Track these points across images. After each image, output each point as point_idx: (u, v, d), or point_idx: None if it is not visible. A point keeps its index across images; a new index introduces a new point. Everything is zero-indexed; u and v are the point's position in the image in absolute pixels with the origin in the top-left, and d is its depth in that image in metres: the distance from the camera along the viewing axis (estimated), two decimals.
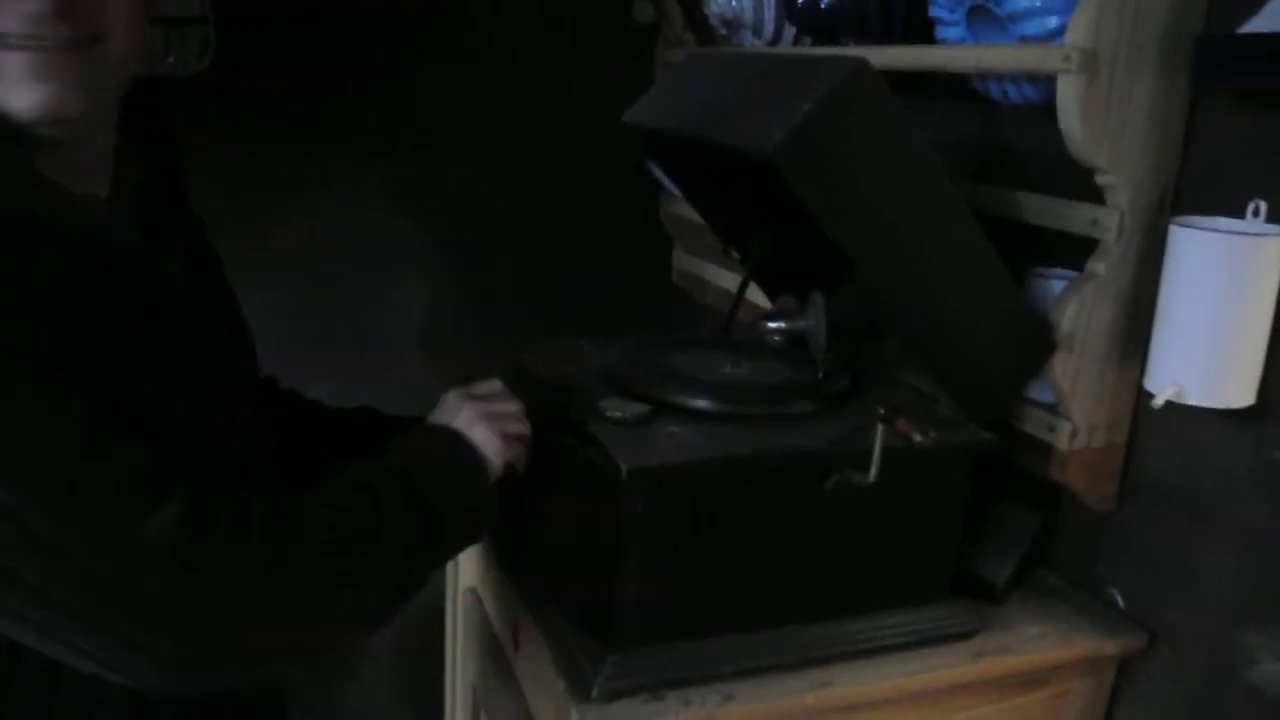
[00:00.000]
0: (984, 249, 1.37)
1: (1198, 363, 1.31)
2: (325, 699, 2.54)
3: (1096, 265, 1.43)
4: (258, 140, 2.21)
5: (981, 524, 1.57)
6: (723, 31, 1.96)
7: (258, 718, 1.32)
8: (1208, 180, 1.41)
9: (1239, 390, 1.32)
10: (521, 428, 1.36)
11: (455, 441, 1.29)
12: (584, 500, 1.40)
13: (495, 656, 1.69)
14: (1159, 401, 1.33)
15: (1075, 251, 1.49)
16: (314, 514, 1.12)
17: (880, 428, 1.28)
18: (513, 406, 1.37)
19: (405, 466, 1.22)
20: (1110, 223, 1.42)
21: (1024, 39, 1.43)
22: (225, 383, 1.26)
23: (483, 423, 1.32)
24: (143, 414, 1.07)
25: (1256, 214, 1.31)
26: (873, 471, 1.29)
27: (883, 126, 1.25)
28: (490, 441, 1.31)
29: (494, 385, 1.42)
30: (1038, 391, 1.51)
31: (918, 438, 1.31)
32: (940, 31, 1.56)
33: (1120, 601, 1.57)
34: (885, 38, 1.65)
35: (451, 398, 1.37)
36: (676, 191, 1.69)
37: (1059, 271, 1.54)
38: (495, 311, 2.50)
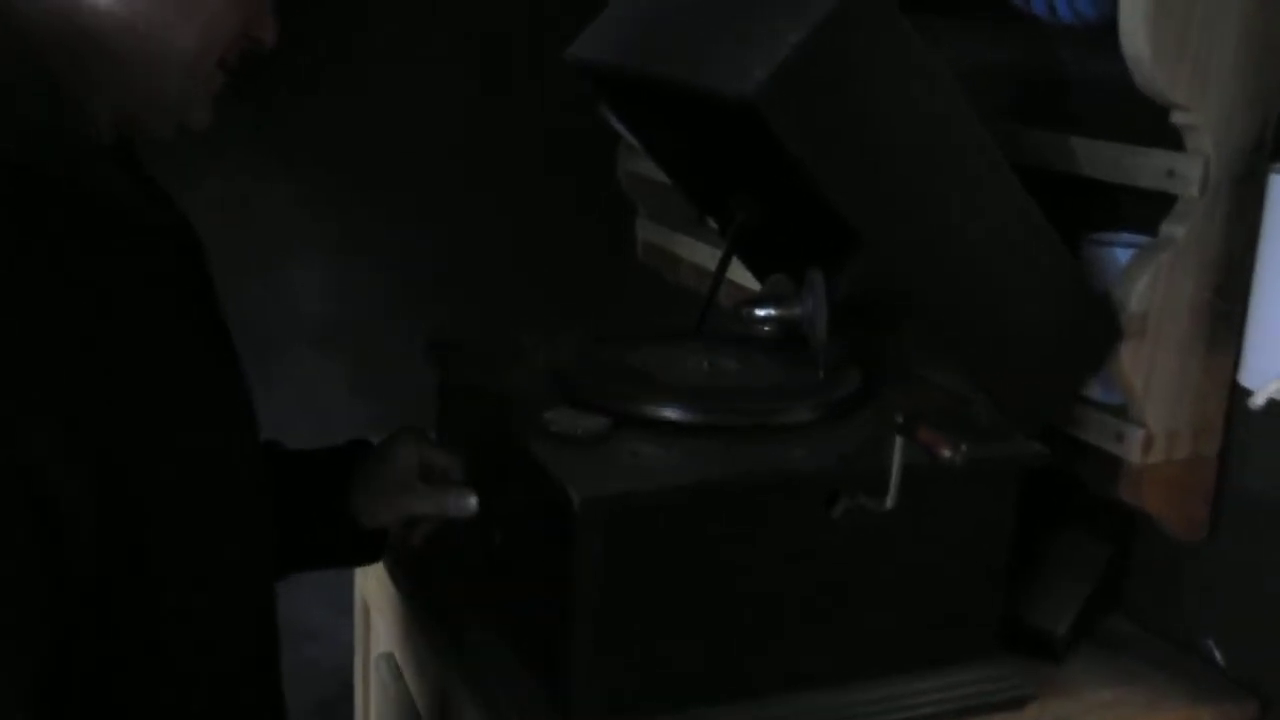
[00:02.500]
0: (1027, 210, 1.40)
1: None
2: None
3: (1174, 228, 1.45)
4: None
5: (1035, 560, 1.60)
6: None
7: None
8: None
9: None
10: None
11: None
12: (530, 539, 1.44)
13: None
14: (1259, 401, 1.35)
15: (1146, 211, 1.52)
16: None
17: (899, 440, 1.31)
18: None
19: None
20: (1191, 173, 1.44)
21: None
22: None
23: None
24: None
25: None
26: (891, 496, 1.32)
27: (893, 58, 1.28)
28: None
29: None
30: (1101, 390, 1.54)
31: (947, 452, 1.32)
32: None
33: (1218, 657, 1.59)
34: None
35: None
36: (638, 144, 1.71)
37: (1125, 237, 1.56)
38: (410, 298, 2.52)
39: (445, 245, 2.53)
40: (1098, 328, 1.47)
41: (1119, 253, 1.53)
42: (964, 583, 1.47)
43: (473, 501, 1.49)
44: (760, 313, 1.54)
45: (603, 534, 1.29)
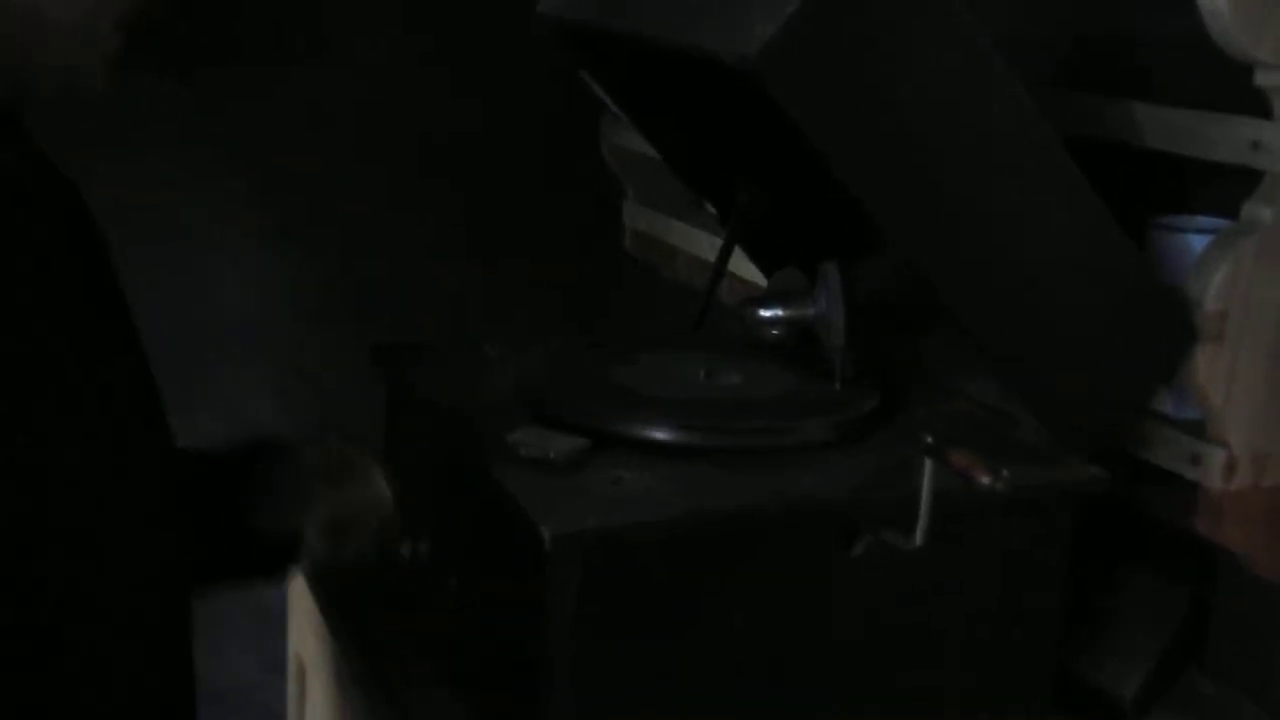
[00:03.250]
0: (1082, 191, 1.41)
1: None
2: None
3: (1259, 209, 1.46)
4: None
5: (1097, 608, 1.62)
6: None
7: None
8: None
9: None
10: None
11: None
12: (493, 583, 1.45)
13: None
14: None
15: (1225, 190, 1.52)
16: None
17: (929, 464, 1.32)
18: None
19: None
20: (1279, 144, 1.45)
21: None
22: None
23: None
24: None
25: None
26: (920, 531, 1.33)
27: (920, 14, 1.29)
28: None
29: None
30: (1173, 404, 1.55)
31: (986, 478, 1.33)
32: None
33: None
34: None
35: None
36: (624, 115, 1.73)
37: (1199, 221, 1.58)
38: (354, 296, 2.54)
39: (397, 235, 2.54)
40: (1167, 329, 1.48)
41: (1193, 240, 1.55)
42: (1010, 635, 1.48)
43: (387, 496, 1.52)
44: (766, 313, 1.55)
45: (579, 576, 1.30)
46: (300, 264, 2.51)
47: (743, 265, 1.81)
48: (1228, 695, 1.67)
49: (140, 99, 2.34)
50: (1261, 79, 1.44)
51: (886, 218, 1.34)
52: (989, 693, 1.49)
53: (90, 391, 1.27)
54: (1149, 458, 1.56)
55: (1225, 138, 1.50)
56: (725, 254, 1.70)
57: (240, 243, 2.49)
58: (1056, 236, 1.42)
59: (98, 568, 1.27)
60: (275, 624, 2.04)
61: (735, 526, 1.36)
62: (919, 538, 1.33)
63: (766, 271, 1.75)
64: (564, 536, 1.27)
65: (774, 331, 1.56)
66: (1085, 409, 1.49)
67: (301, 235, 2.52)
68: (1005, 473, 1.34)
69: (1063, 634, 1.51)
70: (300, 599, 1.98)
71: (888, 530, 1.36)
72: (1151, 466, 1.56)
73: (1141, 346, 1.49)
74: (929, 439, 1.33)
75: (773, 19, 1.23)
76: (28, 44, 1.24)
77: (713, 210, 1.73)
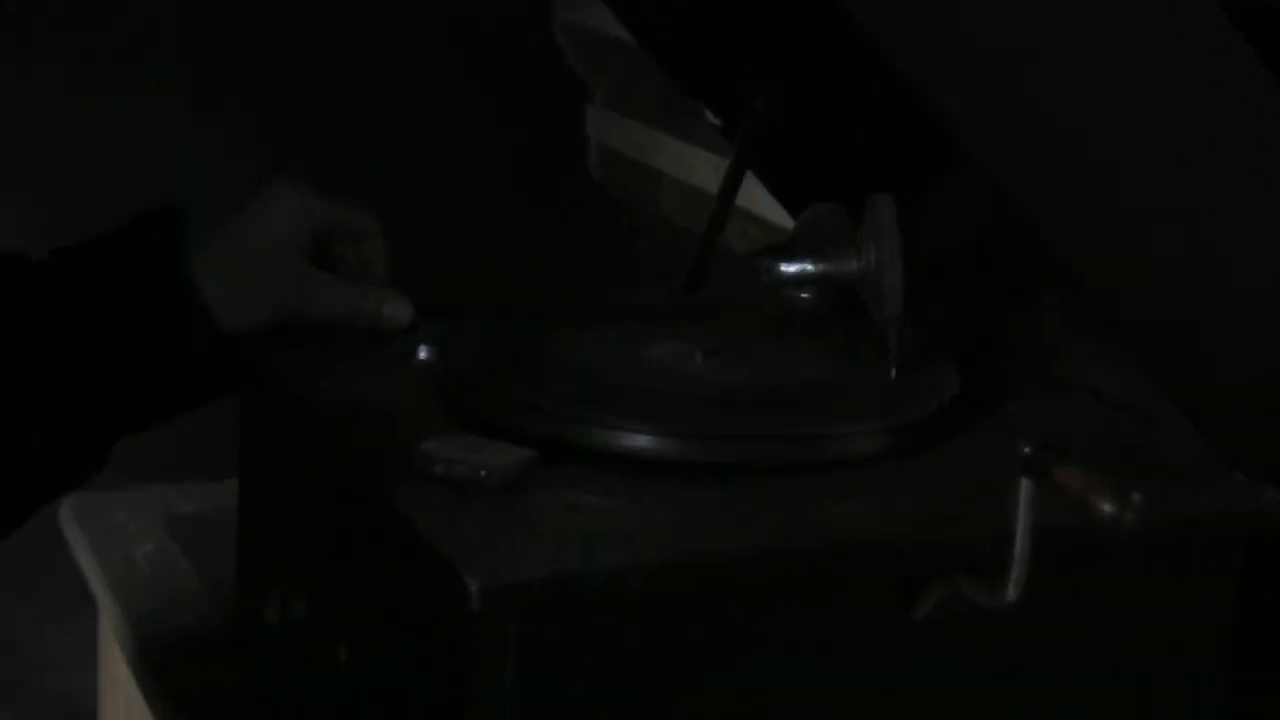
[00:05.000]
0: (1260, 86, 1.38)
1: None
2: None
3: None
4: None
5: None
6: None
7: None
8: None
9: None
10: None
11: None
12: (400, 653, 1.43)
13: None
14: None
15: None
16: None
17: (1027, 486, 1.29)
18: None
19: None
20: None
21: None
22: None
23: None
24: None
25: None
26: (1013, 583, 1.30)
27: None
28: None
29: None
30: None
31: (1107, 506, 1.29)
32: None
33: None
34: None
35: None
36: None
37: None
38: None
39: (269, 158, 2.54)
40: None
41: None
42: None
43: (408, 310, 1.61)
44: (791, 268, 1.54)
45: (519, 645, 1.27)
46: (119, 203, 2.51)
47: (758, 197, 1.80)
48: None
49: None
50: None
51: (967, 128, 1.31)
52: None
53: None
54: None
55: None
56: (732, 183, 1.68)
57: (27, 172, 2.49)
58: (1219, 157, 1.39)
59: None
60: None
61: (745, 576, 1.32)
62: (1012, 592, 1.30)
63: (791, 208, 1.74)
64: (498, 590, 1.23)
65: (802, 294, 1.55)
66: (1258, 404, 1.46)
67: (125, 158, 2.50)
68: (1137, 497, 1.29)
69: None
70: (116, 691, 1.99)
71: (967, 581, 1.33)
72: None
73: None
74: (1028, 450, 1.29)
75: None
76: None
77: (714, 120, 1.71)
